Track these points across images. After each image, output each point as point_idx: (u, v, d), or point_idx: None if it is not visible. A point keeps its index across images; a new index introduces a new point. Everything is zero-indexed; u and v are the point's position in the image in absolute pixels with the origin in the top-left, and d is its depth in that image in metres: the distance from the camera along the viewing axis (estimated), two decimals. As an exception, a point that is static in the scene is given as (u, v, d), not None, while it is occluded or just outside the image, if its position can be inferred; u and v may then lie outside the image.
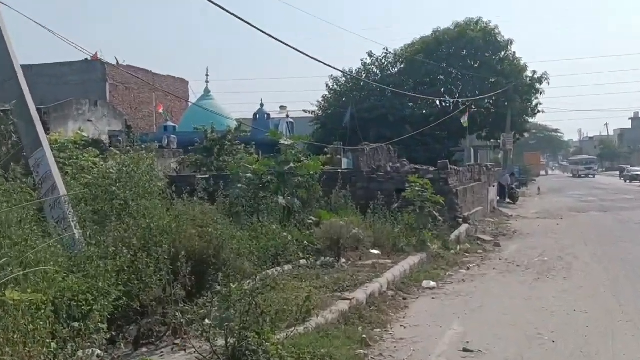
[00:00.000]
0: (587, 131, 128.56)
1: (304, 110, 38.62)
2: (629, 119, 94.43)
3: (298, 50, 13.85)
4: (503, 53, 36.38)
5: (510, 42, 36.06)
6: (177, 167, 21.28)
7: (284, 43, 13.27)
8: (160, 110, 34.25)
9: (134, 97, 36.24)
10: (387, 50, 36.82)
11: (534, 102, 36.99)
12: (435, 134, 34.05)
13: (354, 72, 36.28)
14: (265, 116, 31.30)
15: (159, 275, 6.11)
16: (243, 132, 23.11)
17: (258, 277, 6.42)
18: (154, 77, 37.44)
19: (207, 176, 14.05)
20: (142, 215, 7.20)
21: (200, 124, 23.18)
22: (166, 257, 6.35)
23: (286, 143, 12.03)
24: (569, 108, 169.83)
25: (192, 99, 36.69)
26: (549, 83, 35.96)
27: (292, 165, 11.91)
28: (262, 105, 31.82)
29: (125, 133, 22.24)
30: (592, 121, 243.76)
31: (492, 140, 40.51)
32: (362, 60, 36.65)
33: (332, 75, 36.66)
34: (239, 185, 11.38)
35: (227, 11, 10.48)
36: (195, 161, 21.03)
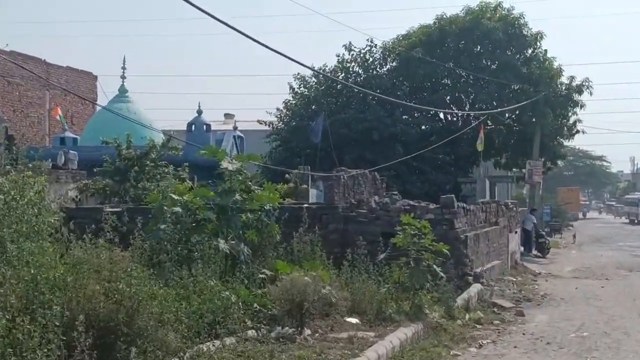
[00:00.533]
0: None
1: (258, 121, 38.81)
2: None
3: (248, 36, 13.94)
4: (530, 51, 37.30)
5: (539, 35, 37.02)
6: (77, 196, 21.06)
7: (231, 27, 13.34)
8: (57, 116, 33.92)
9: (20, 95, 35.81)
10: (371, 42, 37.38)
11: (572, 119, 37.90)
12: (438, 158, 34.57)
13: (327, 70, 36.63)
14: (204, 127, 31.32)
15: (46, 349, 5.97)
16: (172, 150, 23.07)
17: (187, 355, 6.33)
18: (49, 69, 37.19)
19: (119, 209, 13.90)
20: (26, 262, 7.07)
21: (111, 135, 23.08)
22: (57, 324, 6.22)
23: (231, 166, 12.00)
24: (618, 128, 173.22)
25: (103, 100, 36.51)
26: (591, 93, 36.84)
27: (238, 196, 11.86)
28: (199, 112, 31.85)
29: (4, 146, 21.89)
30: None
31: (514, 170, 41.18)
32: (338, 56, 37.05)
33: (297, 74, 36.99)
34: (164, 224, 11.27)
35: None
36: (103, 188, 20.86)
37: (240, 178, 12.15)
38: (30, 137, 35.43)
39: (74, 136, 32.68)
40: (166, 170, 21.43)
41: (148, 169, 21.21)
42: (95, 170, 21.87)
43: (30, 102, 36.43)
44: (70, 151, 26.30)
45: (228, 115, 55.84)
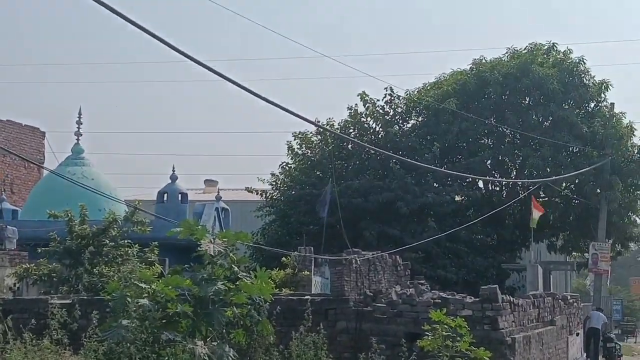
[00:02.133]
0: None
1: (247, 190, 38.83)
2: None
3: (243, 87, 14.13)
4: (593, 104, 37.74)
5: (605, 85, 37.44)
6: (15, 284, 20.94)
7: (216, 73, 13.53)
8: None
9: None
10: (391, 91, 37.56)
11: (646, 191, 37.95)
12: (477, 237, 34.48)
13: (336, 126, 36.81)
14: (180, 197, 31.34)
15: None
16: (138, 225, 23.02)
17: None
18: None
19: (69, 301, 13.81)
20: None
21: (61, 207, 23.04)
22: None
23: (214, 247, 11.93)
24: None
25: (52, 162, 36.67)
26: (671, 158, 37.00)
27: (222, 286, 11.78)
28: (173, 178, 31.90)
29: None
30: None
31: (574, 255, 41.03)
32: (350, 108, 37.24)
33: (298, 132, 37.11)
34: (126, 320, 11.18)
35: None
36: (48, 274, 20.76)
37: (225, 263, 12.08)
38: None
39: (14, 207, 32.71)
40: (130, 252, 21.37)
41: (107, 250, 21.16)
42: (39, 250, 21.79)
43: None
44: (8, 226, 26.31)
45: (209, 182, 56.02)
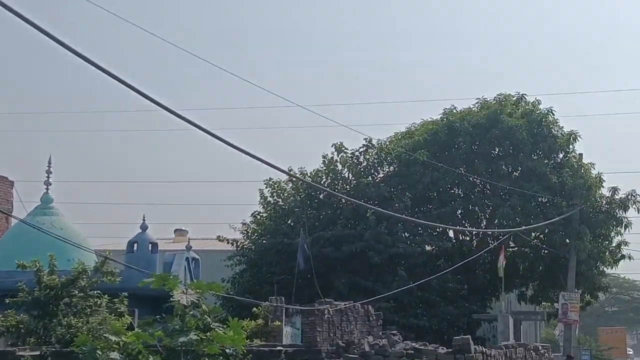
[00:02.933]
0: None
1: (218, 239, 38.58)
2: None
3: (206, 131, 14.09)
4: (562, 155, 37.94)
5: (573, 136, 37.62)
6: (-18, 335, 20.57)
7: (193, 124, 13.47)
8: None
9: None
10: (367, 141, 37.59)
11: (615, 241, 38.24)
12: (448, 286, 34.46)
13: (308, 175, 36.71)
14: (150, 247, 31.04)
15: None
16: (108, 275, 22.75)
17: None
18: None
19: (38, 353, 13.55)
20: None
21: (29, 257, 22.74)
22: None
23: (186, 297, 11.76)
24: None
25: (20, 212, 36.23)
26: (639, 209, 37.17)
27: (194, 336, 11.60)
28: (144, 227, 31.60)
29: None
30: None
31: (543, 304, 41.00)
32: (324, 157, 37.21)
33: (269, 180, 36.96)
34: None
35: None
36: (16, 325, 20.42)
37: (198, 313, 11.90)
38: None
39: (-19, 258, 32.28)
40: (99, 302, 21.10)
41: (75, 301, 20.87)
42: (7, 301, 21.43)
43: None
44: (-25, 277, 25.93)
45: (179, 232, 55.49)
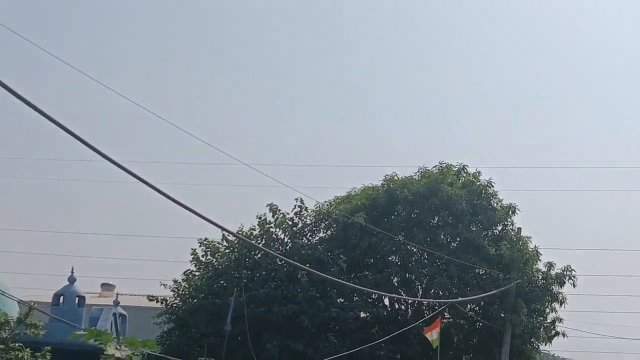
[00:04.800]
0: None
1: (149, 298, 37.76)
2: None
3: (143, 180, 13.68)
4: (500, 227, 38.07)
5: (512, 209, 37.92)
6: None
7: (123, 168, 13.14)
8: None
9: None
10: (301, 203, 37.23)
11: (550, 317, 38.20)
12: (380, 355, 34.11)
13: (243, 232, 36.17)
14: (77, 300, 30.56)
15: None
16: (32, 328, 22.18)
17: None
18: None
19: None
20: None
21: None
22: None
23: (120, 353, 11.25)
24: (606, 332, 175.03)
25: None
26: (574, 285, 37.33)
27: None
28: (72, 279, 31.11)
29: None
30: None
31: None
32: (259, 217, 36.78)
33: (203, 239, 36.45)
34: None
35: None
36: None
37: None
38: None
39: None
40: (21, 355, 20.58)
41: (-4, 353, 20.24)
42: None
43: None
44: None
45: (106, 286, 54.59)
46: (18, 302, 27.23)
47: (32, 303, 24.85)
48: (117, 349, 11.59)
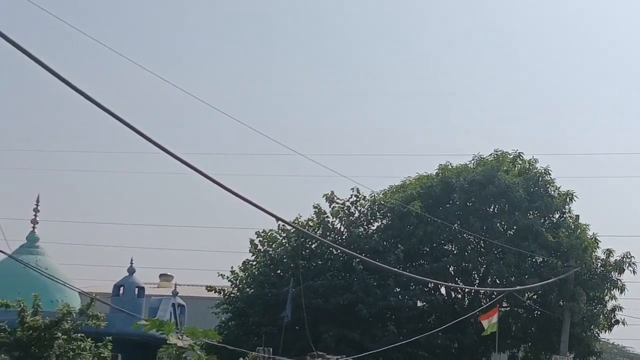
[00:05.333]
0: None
1: (207, 288, 38.04)
2: None
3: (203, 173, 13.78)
4: (558, 215, 37.70)
5: (570, 197, 37.42)
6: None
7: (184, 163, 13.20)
8: None
9: None
10: (357, 192, 37.26)
11: (609, 304, 37.73)
12: (437, 344, 34.00)
13: (300, 222, 36.24)
14: (136, 291, 30.85)
15: None
16: (93, 319, 22.40)
17: None
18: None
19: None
20: None
21: (12, 297, 22.41)
22: None
23: (180, 343, 11.33)
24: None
25: (4, 250, 35.73)
26: (634, 272, 36.80)
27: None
28: (131, 270, 31.39)
29: None
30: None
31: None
32: (315, 207, 36.91)
33: (262, 231, 36.64)
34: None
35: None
36: (-4, 366, 19.98)
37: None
38: None
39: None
40: (83, 346, 20.81)
41: (59, 343, 20.53)
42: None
43: None
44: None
45: (164, 277, 55.00)
46: (79, 293, 27.65)
47: (93, 294, 25.07)
48: (179, 339, 11.63)
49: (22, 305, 21.30)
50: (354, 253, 29.83)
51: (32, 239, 33.10)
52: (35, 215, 33.32)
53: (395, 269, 31.02)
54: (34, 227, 33.27)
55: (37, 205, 33.22)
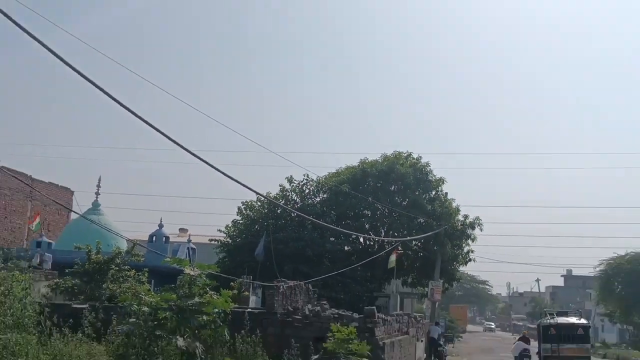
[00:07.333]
0: (516, 285, 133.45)
1: (209, 240, 38.03)
2: (561, 276, 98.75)
3: (212, 166, 13.83)
4: (434, 192, 38.20)
5: (441, 181, 38.04)
6: (48, 293, 20.01)
7: (194, 154, 13.27)
8: (33, 224, 32.77)
9: (5, 204, 34.56)
10: (307, 177, 37.50)
11: (465, 249, 38.46)
12: (357, 274, 34.29)
13: (270, 196, 36.44)
14: (164, 239, 30.69)
15: None
16: (135, 256, 22.35)
17: None
18: (33, 183, 36.18)
19: (85, 306, 13.19)
20: (11, 352, 6.50)
21: (83, 242, 22.29)
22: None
23: (193, 272, 11.56)
24: (499, 258, 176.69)
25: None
26: (481, 229, 37.68)
27: (197, 300, 11.37)
28: (160, 225, 31.23)
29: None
30: (522, 276, 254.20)
31: (418, 288, 41.17)
32: (281, 186, 37.12)
33: (245, 201, 36.75)
34: (132, 319, 10.67)
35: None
36: (72, 287, 19.88)
37: (200, 284, 11.70)
38: (9, 239, 33.97)
39: (49, 241, 31.55)
40: (129, 274, 20.77)
41: (113, 273, 20.50)
42: (66, 271, 20.93)
43: (14, 211, 35.17)
44: (46, 254, 25.31)
45: (183, 230, 54.75)
46: (126, 240, 27.52)
47: (135, 240, 25.06)
48: (191, 270, 11.80)
49: (89, 247, 21.25)
50: (305, 215, 30.02)
51: (95, 204, 32.86)
52: (98, 189, 33.14)
53: (332, 226, 31.23)
54: (97, 197, 33.06)
55: (99, 183, 33.06)
